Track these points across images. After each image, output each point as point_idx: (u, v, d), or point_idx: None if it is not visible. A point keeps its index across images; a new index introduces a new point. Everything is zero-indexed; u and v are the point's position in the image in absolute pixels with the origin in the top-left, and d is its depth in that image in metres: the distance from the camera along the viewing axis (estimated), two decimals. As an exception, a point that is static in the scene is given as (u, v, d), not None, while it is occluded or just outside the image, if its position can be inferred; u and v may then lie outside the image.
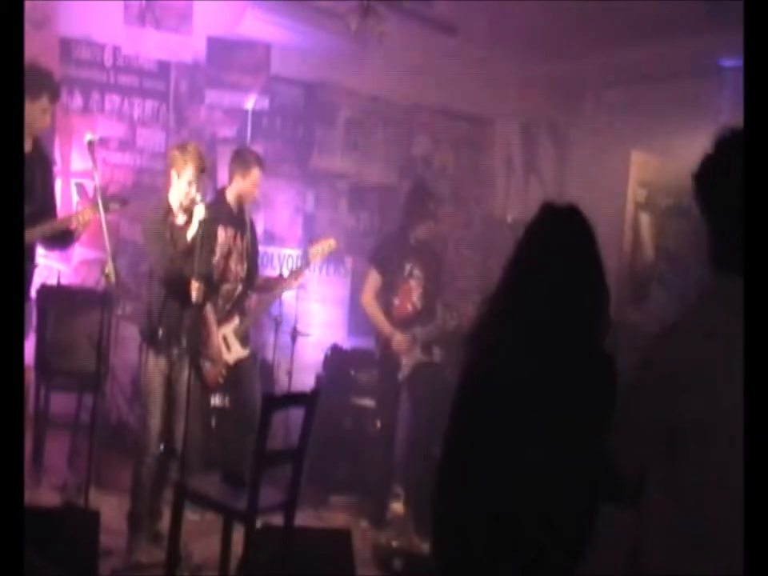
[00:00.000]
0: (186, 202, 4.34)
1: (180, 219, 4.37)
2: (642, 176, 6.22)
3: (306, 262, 5.33)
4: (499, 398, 2.24)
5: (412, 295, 5.51)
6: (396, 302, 5.49)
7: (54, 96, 4.31)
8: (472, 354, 2.41)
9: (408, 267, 5.48)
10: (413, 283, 5.50)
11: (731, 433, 1.76)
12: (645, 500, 1.91)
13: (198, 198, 4.35)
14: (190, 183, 4.33)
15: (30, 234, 4.02)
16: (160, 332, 4.36)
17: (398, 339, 5.36)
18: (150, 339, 4.40)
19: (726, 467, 1.78)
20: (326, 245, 5.26)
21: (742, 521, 1.71)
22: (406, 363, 5.40)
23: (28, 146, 4.24)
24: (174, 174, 4.39)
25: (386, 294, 5.50)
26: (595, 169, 6.38)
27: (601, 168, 6.35)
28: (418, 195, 5.58)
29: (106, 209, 4.20)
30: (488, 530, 2.24)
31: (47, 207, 4.38)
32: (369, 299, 5.55)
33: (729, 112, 5.57)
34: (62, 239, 4.40)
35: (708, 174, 1.90)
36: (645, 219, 6.10)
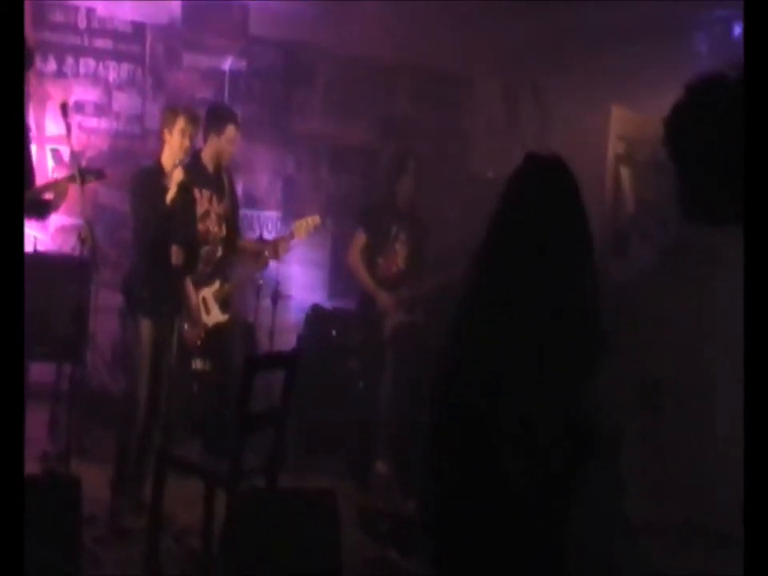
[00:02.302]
0: (181, 156, 4.28)
1: (168, 180, 4.27)
2: (622, 130, 6.11)
3: (290, 235, 5.19)
4: (487, 353, 2.17)
5: (397, 257, 5.43)
6: (381, 262, 5.39)
7: (30, 63, 4.10)
8: (459, 311, 2.33)
9: (394, 230, 5.37)
10: (398, 246, 5.40)
11: (706, 384, 1.73)
12: (624, 452, 1.84)
13: (177, 160, 4.24)
14: (183, 134, 4.28)
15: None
16: (143, 296, 4.26)
17: (382, 299, 5.27)
18: (133, 303, 4.30)
19: (703, 419, 1.75)
20: (311, 220, 5.13)
21: (721, 470, 1.71)
22: (389, 323, 5.30)
23: None
24: (166, 132, 4.33)
25: (371, 255, 5.39)
26: (576, 125, 6.25)
27: (582, 124, 6.23)
28: (401, 156, 5.43)
29: (83, 181, 4.07)
30: (477, 488, 2.19)
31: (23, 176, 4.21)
32: (354, 258, 5.45)
33: (707, 66, 5.45)
34: (38, 209, 4.25)
35: (679, 121, 1.84)
36: (625, 172, 6.00)
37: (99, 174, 4.31)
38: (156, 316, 4.28)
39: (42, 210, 4.26)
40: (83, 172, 4.11)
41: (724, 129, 1.78)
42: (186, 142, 4.33)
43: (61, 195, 4.15)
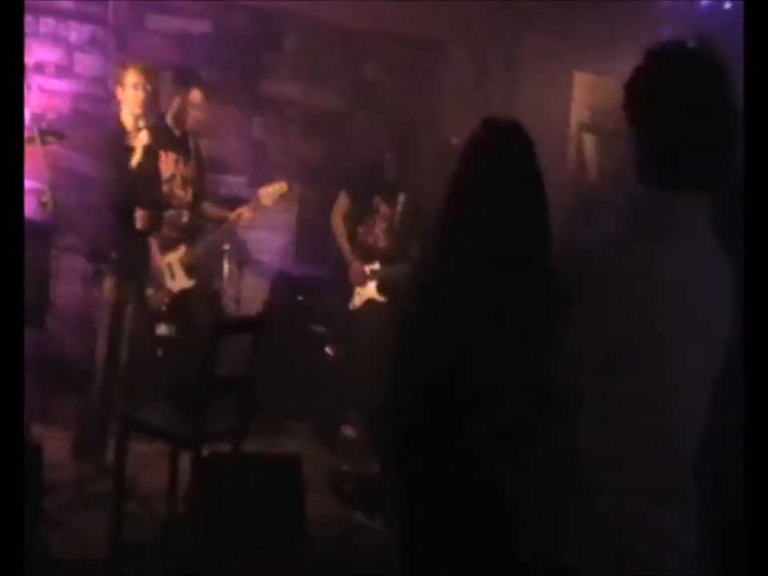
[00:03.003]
0: (138, 111, 4.18)
1: (132, 141, 4.20)
2: (585, 97, 6.10)
3: (256, 201, 5.11)
4: (447, 316, 2.16)
5: (375, 229, 5.32)
6: (361, 231, 5.33)
7: None
8: (420, 277, 2.34)
9: (376, 201, 5.27)
10: (378, 218, 5.31)
11: (666, 347, 1.76)
12: (583, 412, 1.87)
13: (142, 123, 4.16)
14: (136, 87, 4.19)
15: None
16: (108, 259, 4.20)
17: (354, 268, 5.21)
18: (97, 267, 4.25)
19: (661, 381, 1.78)
20: (278, 187, 5.09)
21: (677, 431, 1.77)
22: (359, 294, 5.23)
23: None
24: (119, 89, 4.25)
25: (352, 221, 5.32)
26: (542, 92, 6.21)
27: (547, 91, 6.18)
28: (393, 138, 5.32)
29: (43, 142, 3.98)
30: (438, 448, 2.18)
31: None
32: (336, 220, 5.40)
33: (673, 31, 5.42)
34: None
35: (639, 86, 1.85)
36: (589, 140, 5.99)
37: (59, 135, 4.22)
38: (120, 279, 4.22)
39: None
40: (43, 133, 4.01)
41: (683, 95, 1.77)
42: (141, 95, 4.20)
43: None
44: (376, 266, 5.23)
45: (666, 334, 1.76)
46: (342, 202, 5.35)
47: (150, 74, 4.27)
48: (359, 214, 5.32)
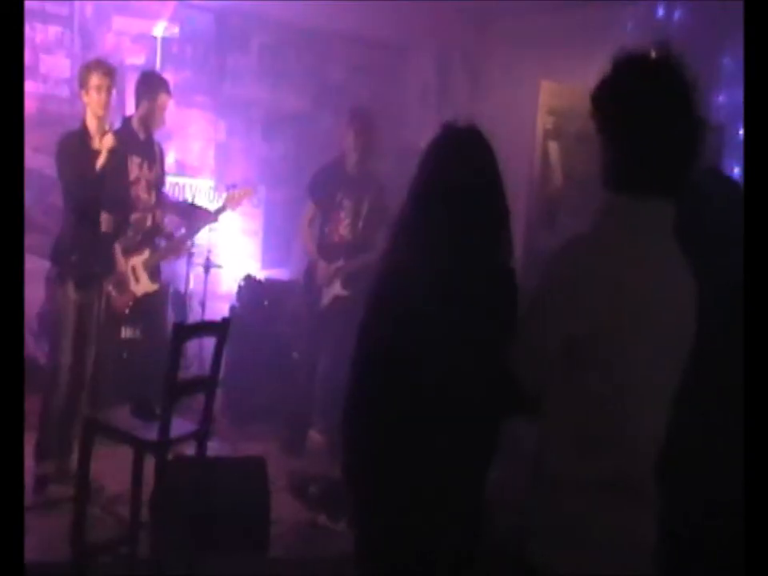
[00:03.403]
0: (101, 113, 4.14)
1: (96, 143, 4.14)
2: (551, 104, 6.15)
3: (222, 207, 5.12)
4: (403, 318, 2.19)
5: (339, 226, 5.29)
6: (326, 231, 5.29)
7: None
8: (379, 277, 2.34)
9: (339, 196, 5.24)
10: (342, 214, 5.26)
11: (627, 342, 1.79)
12: (546, 409, 1.91)
13: (107, 126, 4.15)
14: (99, 89, 4.12)
15: None
16: (71, 261, 4.16)
17: (320, 269, 5.20)
18: (60, 269, 4.20)
19: (624, 374, 1.81)
20: (243, 192, 5.11)
21: (639, 428, 1.79)
22: (326, 294, 5.23)
23: None
24: (83, 92, 4.19)
25: (318, 223, 5.31)
26: (506, 98, 6.26)
27: (512, 97, 6.23)
28: (358, 126, 5.28)
29: None
30: (395, 449, 2.21)
31: None
32: (303, 227, 5.39)
33: (635, 38, 5.50)
34: None
35: (604, 95, 1.88)
36: (553, 146, 6.04)
37: None
38: (83, 282, 4.19)
39: None
40: None
41: (648, 102, 1.81)
42: (104, 97, 4.15)
43: None
44: (341, 262, 5.22)
45: (628, 335, 1.79)
46: (309, 209, 5.35)
47: (114, 76, 4.22)
48: (325, 214, 5.31)
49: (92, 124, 4.18)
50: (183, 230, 5.15)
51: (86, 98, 4.19)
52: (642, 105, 1.81)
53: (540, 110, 6.16)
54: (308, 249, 5.35)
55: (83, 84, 4.18)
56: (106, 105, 4.17)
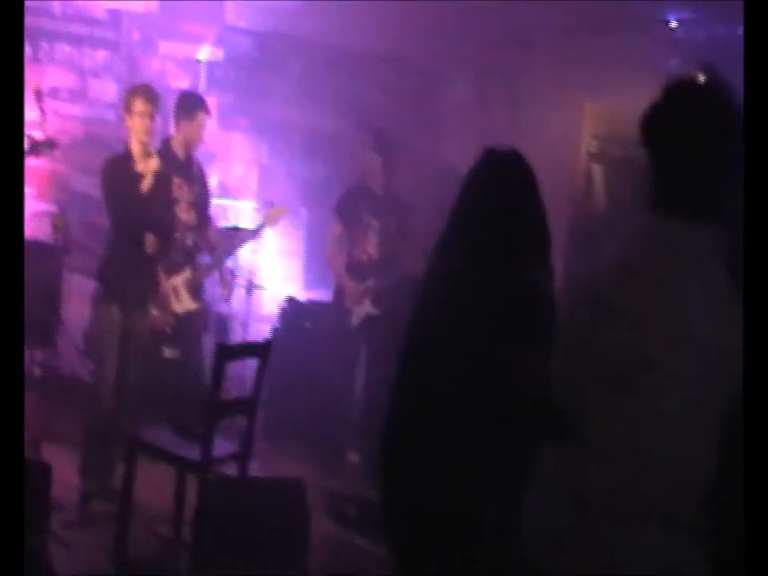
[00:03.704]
0: (144, 138, 4.22)
1: (140, 167, 4.24)
2: (595, 127, 6.19)
3: (260, 225, 5.23)
4: (444, 340, 2.24)
5: (368, 245, 5.39)
6: (353, 251, 5.39)
7: None
8: (419, 301, 2.41)
9: (367, 217, 5.34)
10: (370, 233, 5.38)
11: (678, 372, 1.79)
12: (586, 436, 1.91)
13: (151, 149, 4.25)
14: (143, 115, 4.20)
15: None
16: (114, 281, 4.27)
17: (348, 289, 5.28)
18: (105, 289, 4.30)
19: (672, 405, 1.80)
20: (279, 211, 5.22)
21: (685, 458, 1.78)
22: (356, 314, 5.30)
23: None
24: (127, 117, 4.28)
25: (346, 244, 5.40)
26: (549, 121, 6.29)
27: (554, 120, 6.26)
28: (380, 145, 5.41)
29: (36, 153, 4.06)
30: (434, 472, 2.25)
31: None
32: (329, 248, 5.50)
33: (680, 63, 5.51)
34: None
35: (654, 121, 1.90)
36: (597, 170, 6.08)
37: (51, 145, 4.27)
38: (127, 303, 4.28)
39: None
40: (35, 144, 4.10)
41: (698, 127, 1.83)
42: (147, 123, 4.23)
43: None
44: (370, 282, 5.29)
45: (672, 362, 1.79)
46: (335, 229, 5.44)
47: (157, 102, 4.31)
48: (352, 235, 5.39)
49: (136, 148, 4.28)
50: (223, 249, 5.26)
51: (129, 123, 4.29)
52: (693, 130, 1.82)
53: (584, 134, 6.20)
54: (336, 269, 5.44)
55: (127, 109, 4.27)
56: (149, 130, 4.26)
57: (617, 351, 1.82)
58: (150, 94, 4.29)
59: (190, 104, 4.94)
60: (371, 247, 5.38)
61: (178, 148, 4.91)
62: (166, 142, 4.97)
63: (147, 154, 4.23)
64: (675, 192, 1.86)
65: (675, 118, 1.87)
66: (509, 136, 6.56)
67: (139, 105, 4.22)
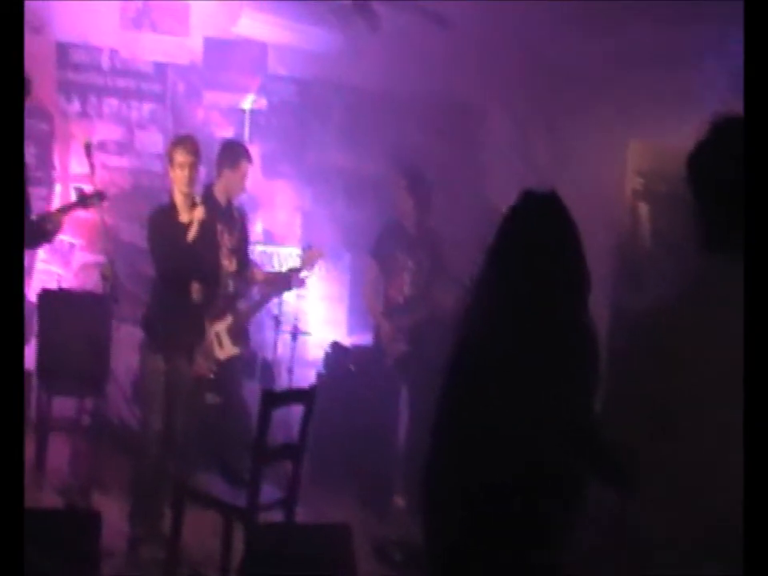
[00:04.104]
0: (185, 190, 4.34)
1: (184, 218, 4.37)
2: (639, 164, 6.21)
3: (298, 268, 5.39)
4: (483, 380, 2.30)
5: (403, 285, 5.49)
6: (390, 292, 5.50)
7: (26, 91, 4.20)
8: (458, 341, 2.46)
9: (401, 257, 5.46)
10: (405, 273, 5.48)
11: (727, 414, 1.79)
12: (638, 481, 1.92)
13: (197, 198, 4.38)
14: (183, 167, 4.31)
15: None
16: (159, 330, 4.39)
17: (384, 329, 5.38)
18: (149, 337, 4.42)
19: (721, 448, 1.80)
20: (316, 254, 5.38)
21: (737, 501, 1.73)
22: (392, 353, 5.39)
23: None
24: (170, 168, 4.40)
25: (382, 285, 5.51)
26: (592, 158, 6.33)
27: (598, 157, 6.30)
28: (413, 185, 5.54)
29: (85, 205, 4.22)
30: (476, 516, 2.29)
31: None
32: (366, 290, 5.63)
33: (727, 100, 5.52)
34: (34, 240, 4.38)
35: (702, 159, 1.92)
36: (643, 207, 6.09)
37: (100, 197, 4.41)
38: (171, 350, 4.39)
39: (39, 240, 4.43)
40: (83, 196, 4.26)
41: (743, 166, 1.83)
42: (188, 173, 4.32)
43: (59, 222, 4.30)
44: (405, 319, 5.38)
45: (719, 402, 1.80)
46: (369, 272, 5.58)
47: (198, 154, 4.40)
48: (388, 276, 5.50)
49: (179, 199, 4.40)
50: (263, 293, 5.39)
51: (172, 174, 4.41)
52: (739, 168, 1.83)
53: (628, 171, 6.23)
54: (373, 311, 5.55)
55: (170, 161, 4.40)
56: (191, 181, 4.37)
57: (663, 391, 1.84)
58: (190, 145, 4.38)
59: (233, 153, 5.08)
60: (406, 287, 5.49)
61: (219, 195, 5.04)
62: (208, 189, 5.10)
63: (192, 204, 4.35)
64: (722, 230, 1.88)
65: (722, 154, 1.89)
66: (551, 175, 6.67)
67: (179, 156, 4.32)
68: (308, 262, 5.36)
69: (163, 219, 4.40)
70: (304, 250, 5.56)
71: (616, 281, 5.79)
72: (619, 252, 5.96)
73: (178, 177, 4.36)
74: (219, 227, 4.92)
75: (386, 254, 5.48)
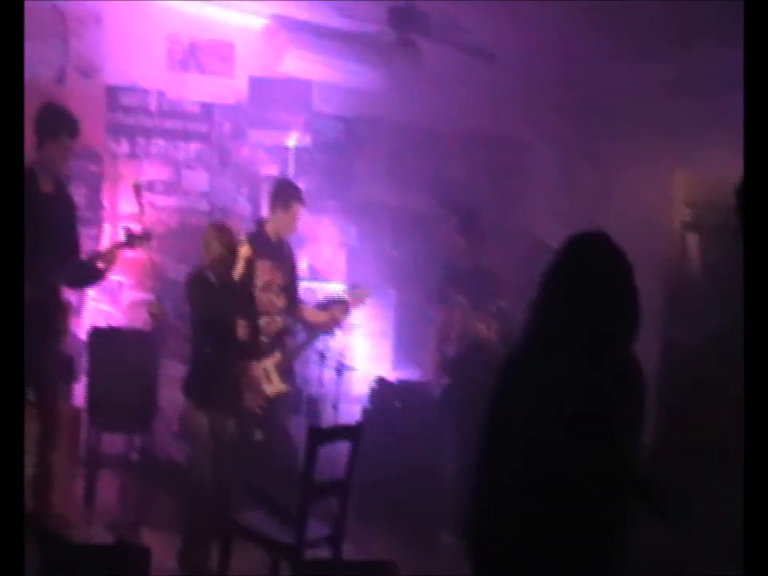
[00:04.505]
0: (218, 270, 4.41)
1: (214, 279, 4.45)
2: (688, 195, 6.22)
3: (346, 306, 5.48)
4: (530, 413, 2.34)
5: (455, 322, 5.56)
6: (445, 329, 5.60)
7: (74, 133, 4.35)
8: (505, 372, 2.50)
9: (455, 295, 5.54)
10: (458, 311, 5.55)
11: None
12: (687, 517, 1.96)
13: (243, 237, 4.48)
14: (214, 260, 4.38)
15: (54, 275, 4.18)
16: (203, 384, 4.45)
17: (434, 364, 5.45)
18: (192, 392, 4.48)
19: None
20: (363, 293, 5.49)
21: None
22: (438, 387, 5.45)
23: (49, 186, 4.36)
24: (203, 248, 4.46)
25: (438, 323, 5.63)
26: (640, 191, 6.35)
27: (645, 189, 6.32)
28: (464, 225, 5.64)
29: (133, 244, 4.35)
30: (523, 551, 2.32)
31: (70, 247, 4.47)
32: (424, 330, 5.73)
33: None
34: (87, 279, 4.51)
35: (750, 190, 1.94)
36: (692, 239, 6.09)
37: (147, 237, 4.55)
38: (216, 398, 4.45)
39: (90, 279, 4.57)
40: (131, 236, 4.40)
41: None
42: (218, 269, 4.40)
43: (110, 261, 4.42)
44: (450, 351, 5.49)
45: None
46: (430, 310, 5.68)
47: (234, 240, 4.47)
48: (442, 314, 5.61)
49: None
50: (311, 331, 5.48)
51: (205, 255, 4.44)
52: None
53: (676, 202, 6.24)
54: (429, 350, 5.67)
55: (204, 243, 4.43)
56: (222, 260, 4.41)
57: (715, 427, 1.88)
58: (217, 229, 4.47)
59: (286, 193, 5.18)
60: (458, 323, 5.54)
61: (270, 232, 5.16)
62: (260, 225, 5.23)
63: (239, 242, 4.46)
64: None
65: None
66: (598, 208, 6.70)
67: (215, 251, 4.36)
68: (355, 300, 5.46)
69: (201, 279, 4.47)
70: (351, 288, 5.66)
71: (665, 315, 5.78)
72: (668, 285, 5.95)
73: (210, 264, 4.40)
74: (269, 264, 5.04)
75: (441, 294, 5.59)
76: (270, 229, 5.19)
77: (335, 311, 5.40)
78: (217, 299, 4.41)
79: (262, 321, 5.03)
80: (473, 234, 5.58)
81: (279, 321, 5.19)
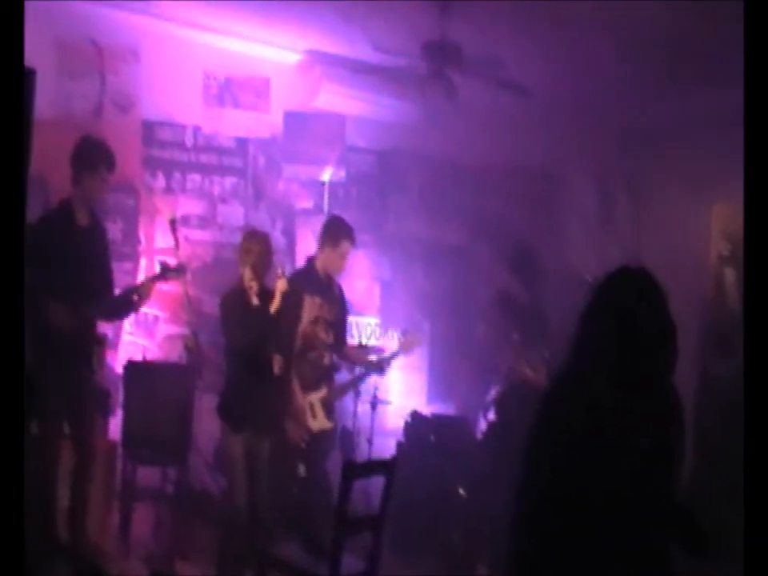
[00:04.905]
0: (252, 286, 4.50)
1: (254, 300, 4.52)
2: (725, 228, 6.22)
3: (395, 352, 5.57)
4: (569, 447, 2.37)
5: (506, 357, 5.67)
6: (496, 362, 5.75)
7: (111, 166, 4.49)
8: (545, 406, 2.54)
9: (508, 327, 5.70)
10: (509, 348, 5.68)
11: None
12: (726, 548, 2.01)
13: (280, 271, 4.56)
14: (249, 269, 4.50)
15: (89, 308, 4.28)
16: (238, 412, 4.52)
17: (474, 395, 5.51)
18: (227, 415, 4.56)
19: None
20: (414, 340, 5.57)
21: None
22: (481, 422, 5.50)
23: (85, 219, 4.49)
24: (240, 259, 4.60)
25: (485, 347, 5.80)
26: (675, 223, 6.37)
27: (681, 222, 6.34)
28: (519, 262, 5.71)
29: (167, 278, 4.45)
30: (563, 572, 2.36)
31: (103, 280, 4.59)
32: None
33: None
34: (120, 311, 4.61)
35: None
36: (730, 273, 6.08)
37: (182, 270, 4.64)
38: (253, 421, 4.52)
39: (123, 312, 4.68)
40: (167, 270, 4.50)
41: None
42: (251, 278, 4.49)
43: (145, 294, 4.51)
44: (492, 389, 5.54)
45: None
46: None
47: (264, 243, 4.62)
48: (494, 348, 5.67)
49: (247, 283, 4.54)
50: (358, 370, 5.54)
51: (241, 267, 4.60)
52: None
53: (714, 235, 6.25)
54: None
55: (239, 254, 4.62)
56: (254, 269, 4.53)
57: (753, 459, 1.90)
58: (257, 236, 4.63)
59: (337, 232, 5.23)
60: (509, 361, 5.62)
61: (320, 269, 5.22)
62: (311, 262, 5.29)
63: (278, 276, 4.53)
64: None
65: None
66: (635, 241, 6.72)
67: (246, 243, 4.57)
68: (406, 347, 5.51)
69: (235, 304, 4.55)
70: (403, 333, 5.71)
71: (703, 348, 5.78)
72: (707, 318, 5.95)
73: (245, 275, 4.54)
74: (318, 300, 5.11)
75: (494, 328, 5.66)
76: (319, 265, 5.24)
77: (382, 360, 5.48)
78: (252, 321, 4.47)
79: (310, 355, 5.09)
80: (527, 273, 5.64)
81: (327, 357, 5.23)
